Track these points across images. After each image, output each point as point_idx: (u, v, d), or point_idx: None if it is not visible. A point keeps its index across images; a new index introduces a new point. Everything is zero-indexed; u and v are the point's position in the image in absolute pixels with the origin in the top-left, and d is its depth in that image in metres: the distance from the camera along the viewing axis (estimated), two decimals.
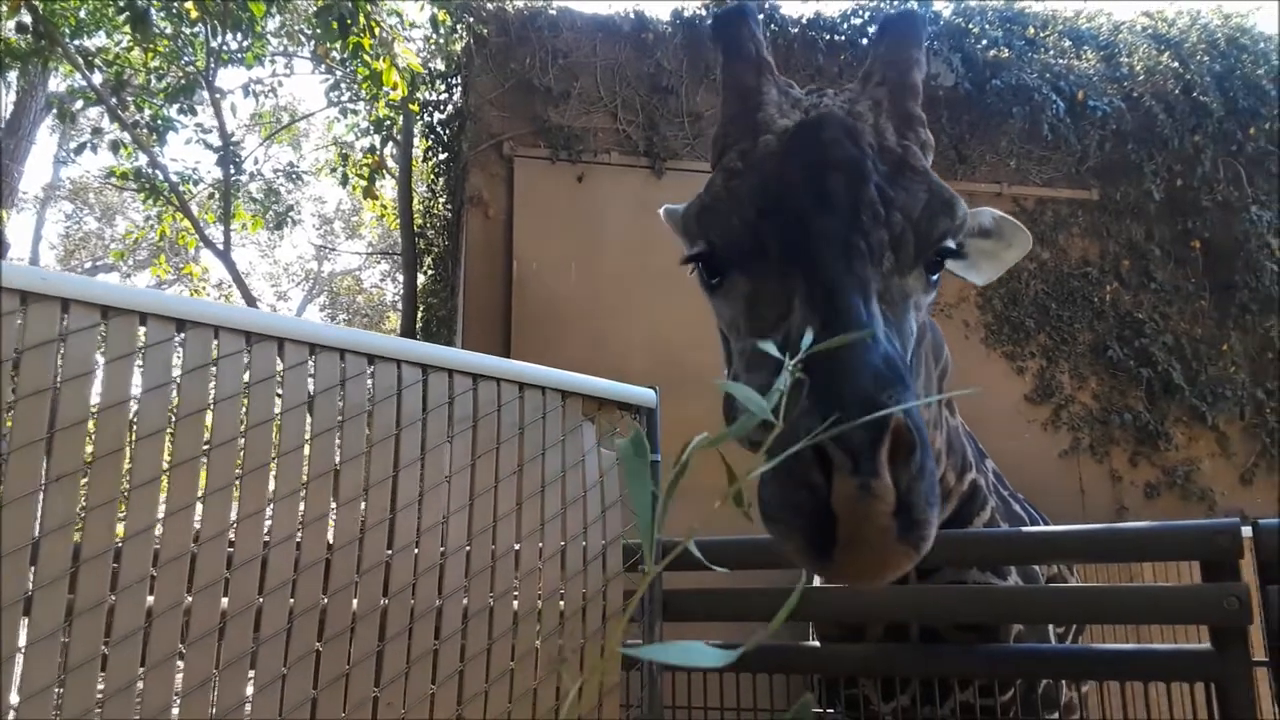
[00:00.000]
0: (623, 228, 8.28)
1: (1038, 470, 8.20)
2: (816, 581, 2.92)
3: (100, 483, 1.93)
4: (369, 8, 8.79)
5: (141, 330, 2.01)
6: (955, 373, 2.59)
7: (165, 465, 2.02)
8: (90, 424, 1.95)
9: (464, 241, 8.62)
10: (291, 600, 2.19)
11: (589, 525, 2.71)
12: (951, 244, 1.77)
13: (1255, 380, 9.31)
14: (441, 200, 10.71)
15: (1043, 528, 2.75)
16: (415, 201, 11.53)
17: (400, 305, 12.01)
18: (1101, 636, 3.92)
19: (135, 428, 2.00)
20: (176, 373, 2.09)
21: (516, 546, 2.61)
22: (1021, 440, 8.47)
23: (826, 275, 1.57)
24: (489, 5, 9.13)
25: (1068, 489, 8.58)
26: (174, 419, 2.04)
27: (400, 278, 12.63)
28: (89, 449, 1.95)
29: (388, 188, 13.10)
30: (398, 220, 11.66)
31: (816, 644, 2.92)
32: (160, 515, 1.99)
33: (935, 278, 1.81)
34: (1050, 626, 2.76)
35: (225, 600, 2.07)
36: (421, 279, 11.53)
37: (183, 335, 2.07)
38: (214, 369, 2.09)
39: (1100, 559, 3.43)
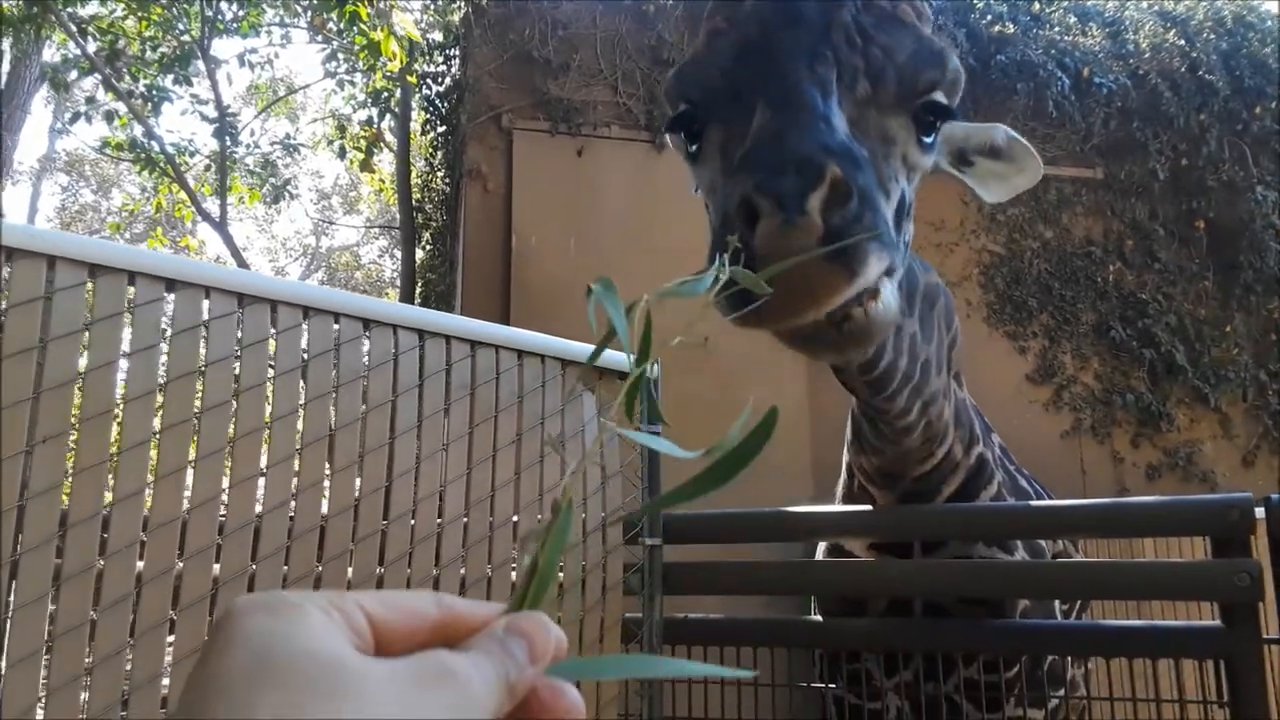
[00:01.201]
0: (623, 201, 8.21)
1: (1039, 451, 8.17)
2: (820, 554, 2.89)
3: (89, 446, 1.88)
4: None
5: (130, 290, 1.95)
6: (964, 357, 2.54)
7: (155, 429, 1.96)
8: (78, 387, 1.89)
9: (463, 215, 8.54)
10: (285, 568, 2.15)
11: (588, 496, 2.66)
12: (942, 98, 1.70)
13: (1258, 362, 9.27)
14: (440, 174, 10.61)
15: (1050, 501, 2.71)
16: (414, 175, 11.42)
17: (399, 281, 11.92)
18: (1105, 614, 3.90)
19: (124, 390, 1.95)
20: (168, 337, 2.03)
21: (515, 518, 2.56)
22: (1023, 420, 8.42)
23: (782, 69, 1.52)
24: None
25: (1069, 470, 8.55)
26: (163, 382, 1.98)
27: (399, 253, 12.53)
28: (77, 411, 1.90)
29: (386, 161, 13.00)
30: (396, 194, 11.56)
31: (818, 618, 2.89)
32: (150, 480, 1.94)
33: (930, 140, 1.73)
34: (1056, 602, 2.73)
35: (217, 567, 2.03)
36: (420, 254, 11.44)
37: (172, 295, 2.01)
38: (204, 331, 2.04)
39: (1110, 533, 3.39)
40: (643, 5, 8.79)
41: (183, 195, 11.29)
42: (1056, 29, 9.47)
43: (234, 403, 2.05)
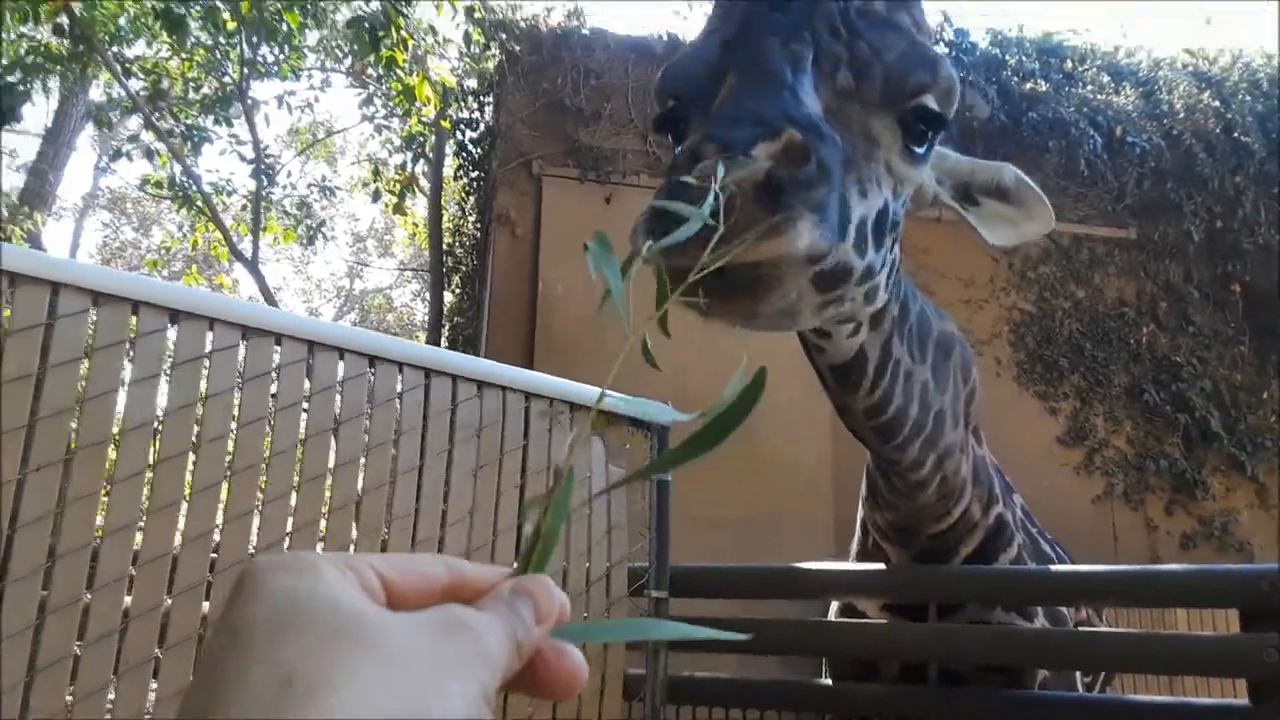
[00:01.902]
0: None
1: (1070, 515, 7.97)
2: (832, 613, 2.79)
3: (84, 476, 1.85)
4: (401, 21, 8.82)
5: (133, 319, 1.93)
6: (985, 413, 2.46)
7: (150, 461, 1.93)
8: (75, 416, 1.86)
9: (491, 260, 8.58)
10: None
11: (593, 545, 2.59)
12: (932, 103, 1.62)
13: None
14: (471, 219, 10.71)
15: (1073, 566, 2.60)
16: (445, 219, 11.53)
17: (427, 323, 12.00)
18: (1132, 686, 3.74)
19: (122, 420, 1.92)
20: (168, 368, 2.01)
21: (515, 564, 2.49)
22: (1053, 483, 8.23)
23: (755, 44, 1.49)
24: (522, 23, 9.14)
25: (1100, 536, 8.34)
26: (161, 413, 1.95)
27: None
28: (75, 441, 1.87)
29: (420, 206, 13.15)
30: (428, 238, 11.68)
31: (829, 682, 2.78)
32: (143, 513, 1.90)
33: (921, 150, 1.65)
34: (1078, 674, 2.61)
35: (206, 606, 1.98)
36: (450, 298, 11.51)
37: (175, 326, 1.99)
38: (207, 362, 2.01)
39: (1134, 602, 3.25)
40: (674, 57, 8.87)
41: (219, 234, 11.46)
42: (1089, 88, 9.44)
43: (231, 436, 2.02)
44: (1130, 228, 9.24)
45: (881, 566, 2.47)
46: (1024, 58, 9.37)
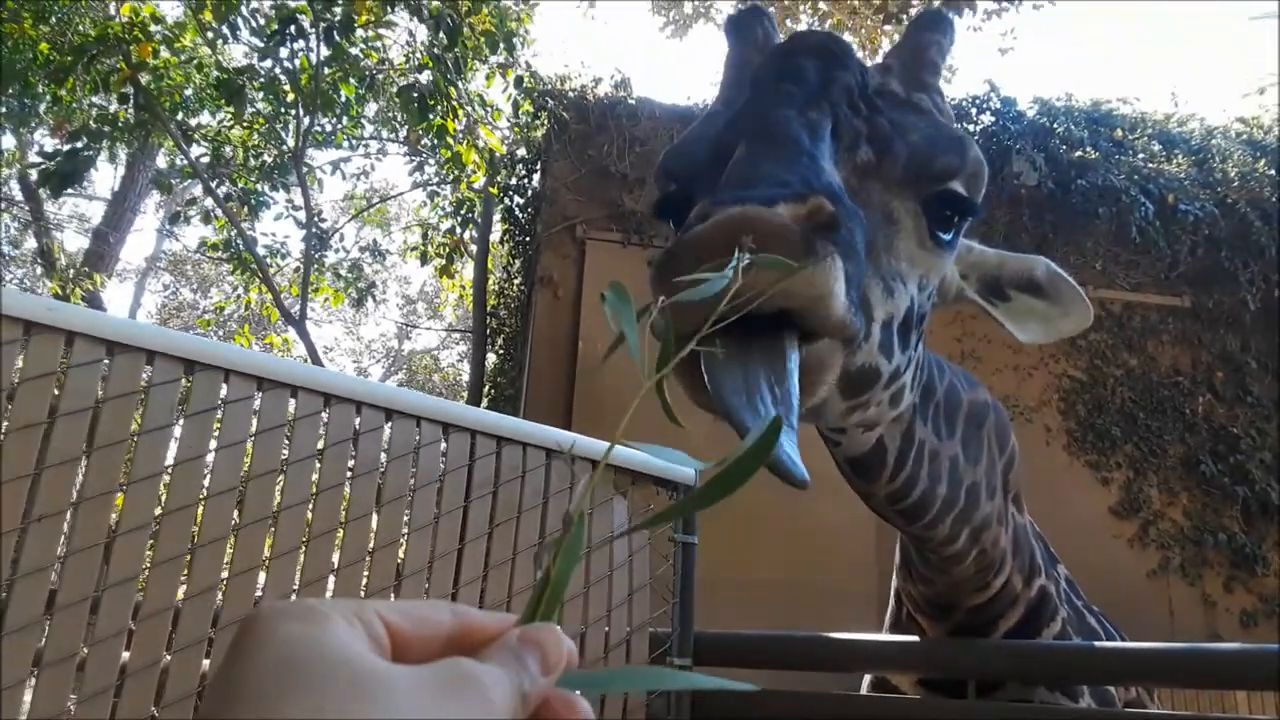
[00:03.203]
0: None
1: (1124, 590, 7.67)
2: (865, 687, 2.66)
3: (88, 526, 1.82)
4: (452, 91, 9.04)
5: (148, 369, 1.93)
6: (1034, 482, 2.34)
7: (158, 512, 1.91)
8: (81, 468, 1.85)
9: (533, 321, 8.64)
10: None
11: (613, 609, 2.50)
12: (960, 188, 1.48)
13: None
14: (516, 281, 10.83)
15: (1122, 644, 2.45)
16: (491, 282, 11.68)
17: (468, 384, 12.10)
18: None
19: (131, 469, 1.90)
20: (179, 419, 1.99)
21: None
22: (1105, 556, 7.94)
23: (768, 114, 1.31)
24: (570, 93, 9.33)
25: (1156, 611, 8.00)
26: (170, 464, 1.93)
27: None
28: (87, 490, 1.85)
29: (468, 269, 13.35)
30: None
31: None
32: (147, 564, 1.87)
33: (948, 237, 1.50)
34: None
35: (206, 663, 1.93)
36: (493, 359, 11.60)
37: (191, 377, 1.98)
38: (220, 413, 1.99)
39: (1188, 684, 3.05)
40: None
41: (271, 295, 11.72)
42: (1140, 156, 9.33)
43: (240, 489, 1.99)
44: (1184, 295, 9.05)
45: (916, 639, 2.35)
46: (1073, 126, 9.31)
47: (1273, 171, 9.26)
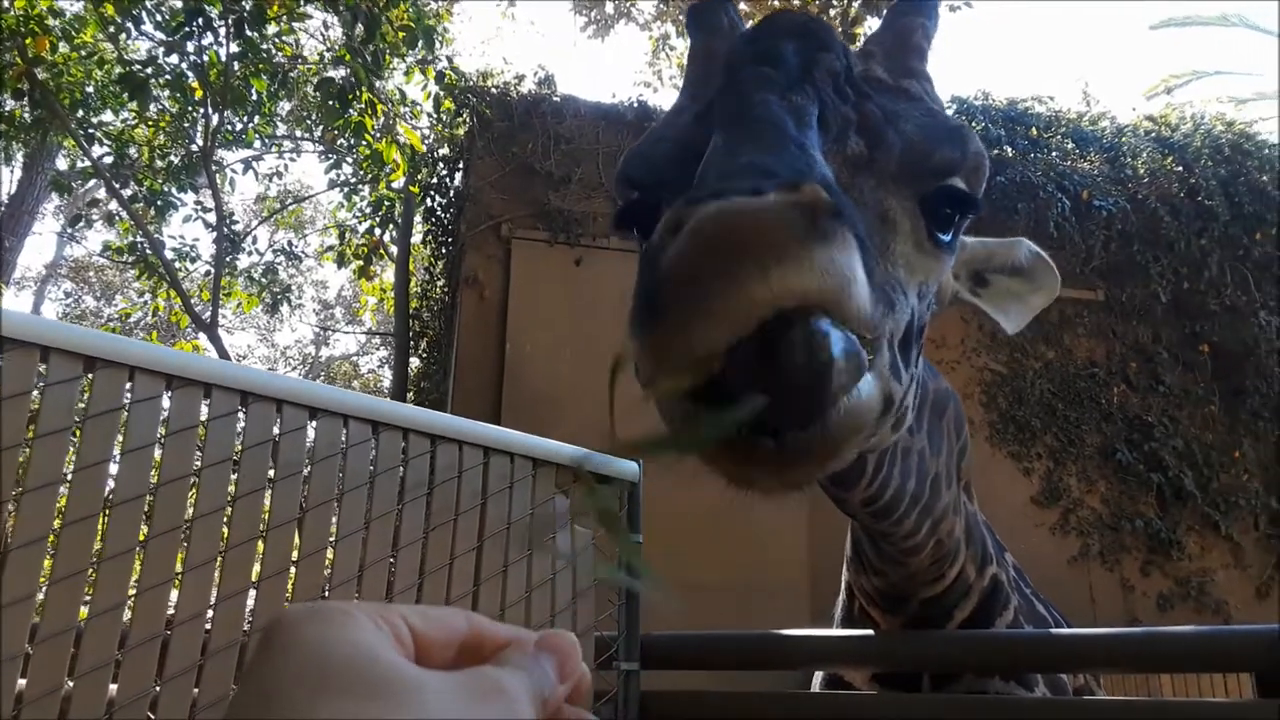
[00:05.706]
0: (621, 311, 8.11)
1: (1047, 577, 7.81)
2: (816, 684, 2.59)
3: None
4: (371, 86, 8.79)
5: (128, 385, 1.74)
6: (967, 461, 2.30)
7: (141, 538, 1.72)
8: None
9: (458, 323, 8.45)
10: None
11: (557, 614, 2.37)
12: (961, 185, 1.33)
13: (1269, 489, 9.00)
14: (439, 283, 10.60)
15: (1078, 630, 2.42)
16: (412, 285, 11.42)
17: (390, 388, 11.80)
18: None
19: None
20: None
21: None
22: (1029, 544, 8.09)
23: (746, 99, 1.13)
24: (493, 90, 9.16)
25: (1078, 598, 8.19)
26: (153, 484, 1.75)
27: None
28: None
29: (388, 272, 13.03)
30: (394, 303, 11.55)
31: None
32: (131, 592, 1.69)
33: (948, 238, 1.33)
34: None
35: (196, 690, 1.75)
36: (416, 363, 11.34)
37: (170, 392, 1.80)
38: (203, 429, 1.82)
39: (1145, 668, 3.03)
40: (645, 123, 8.89)
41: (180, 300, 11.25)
42: (1055, 153, 9.56)
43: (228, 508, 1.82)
44: (1099, 289, 9.29)
45: (870, 632, 2.29)
46: (990, 124, 9.50)
47: (1180, 168, 9.58)
